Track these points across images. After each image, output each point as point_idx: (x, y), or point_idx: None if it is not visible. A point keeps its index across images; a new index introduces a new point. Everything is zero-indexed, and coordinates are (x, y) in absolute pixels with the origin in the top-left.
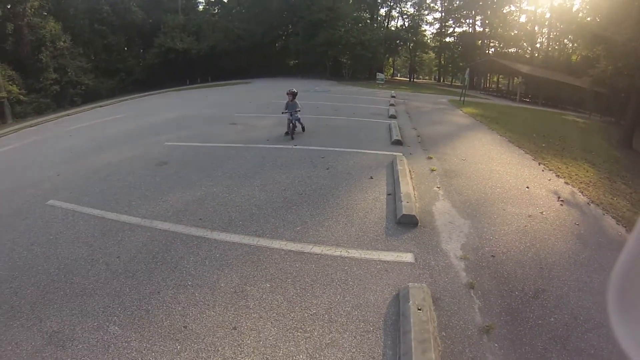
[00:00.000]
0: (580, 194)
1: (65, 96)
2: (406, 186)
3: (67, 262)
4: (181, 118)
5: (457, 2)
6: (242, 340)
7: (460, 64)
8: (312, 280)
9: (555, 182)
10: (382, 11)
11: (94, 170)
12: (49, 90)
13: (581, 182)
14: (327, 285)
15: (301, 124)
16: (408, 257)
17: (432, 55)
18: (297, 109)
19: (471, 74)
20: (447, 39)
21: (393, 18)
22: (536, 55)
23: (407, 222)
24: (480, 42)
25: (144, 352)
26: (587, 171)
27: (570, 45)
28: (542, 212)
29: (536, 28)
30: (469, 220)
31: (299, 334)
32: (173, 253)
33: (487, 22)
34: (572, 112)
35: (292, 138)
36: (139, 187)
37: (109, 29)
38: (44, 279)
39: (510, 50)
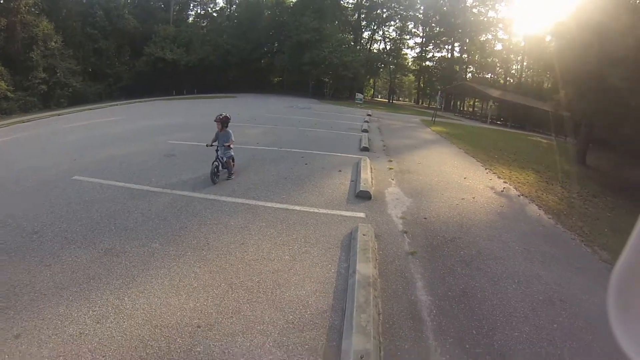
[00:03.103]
0: (514, 189)
1: (53, 97)
2: (366, 175)
3: (107, 213)
4: (176, 123)
5: (438, 29)
6: (247, 249)
7: (438, 87)
8: (294, 222)
9: (495, 181)
10: (366, 34)
11: (108, 158)
12: (37, 89)
13: (518, 182)
14: (304, 225)
15: (231, 165)
16: (361, 214)
17: (412, 77)
18: (228, 143)
19: (443, 95)
20: (427, 63)
21: (376, 41)
22: (510, 81)
23: (363, 196)
24: (458, 67)
25: (180, 255)
26: (528, 176)
27: (542, 72)
28: (474, 197)
29: (511, 56)
30: (411, 198)
31: (284, 246)
32: (193, 207)
33: (465, 48)
34: (539, 134)
35: (215, 183)
36: (154, 169)
37: (101, 34)
38: (89, 222)
39: (486, 75)
